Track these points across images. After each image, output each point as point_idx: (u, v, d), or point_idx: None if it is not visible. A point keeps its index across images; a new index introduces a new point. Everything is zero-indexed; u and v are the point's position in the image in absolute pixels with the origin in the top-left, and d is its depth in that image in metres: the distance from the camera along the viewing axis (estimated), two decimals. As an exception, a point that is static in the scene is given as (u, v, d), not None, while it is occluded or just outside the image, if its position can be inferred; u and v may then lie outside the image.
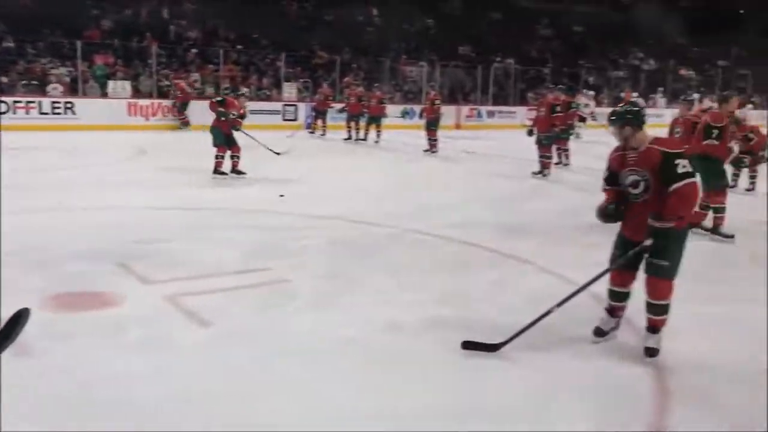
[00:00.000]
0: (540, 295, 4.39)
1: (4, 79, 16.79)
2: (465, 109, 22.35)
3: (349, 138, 16.09)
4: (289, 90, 20.30)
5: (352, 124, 16.10)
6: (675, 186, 3.41)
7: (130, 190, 8.29)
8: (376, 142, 15.61)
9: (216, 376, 3.25)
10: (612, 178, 3.78)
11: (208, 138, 9.58)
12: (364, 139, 15.92)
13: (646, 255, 3.56)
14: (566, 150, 11.99)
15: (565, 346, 3.75)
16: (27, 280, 4.50)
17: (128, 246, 5.52)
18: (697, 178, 3.64)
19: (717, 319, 4.23)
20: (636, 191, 3.61)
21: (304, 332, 3.85)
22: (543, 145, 10.77)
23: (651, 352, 3.60)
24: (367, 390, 3.17)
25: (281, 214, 7.11)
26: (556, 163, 11.49)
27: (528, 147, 11.39)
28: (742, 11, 33.12)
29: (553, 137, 10.88)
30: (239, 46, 22.37)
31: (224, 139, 9.43)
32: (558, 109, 10.85)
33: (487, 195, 8.99)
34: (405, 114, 20.26)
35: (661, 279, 3.54)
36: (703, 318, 4.19)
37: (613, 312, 3.85)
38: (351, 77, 20.51)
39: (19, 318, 1.80)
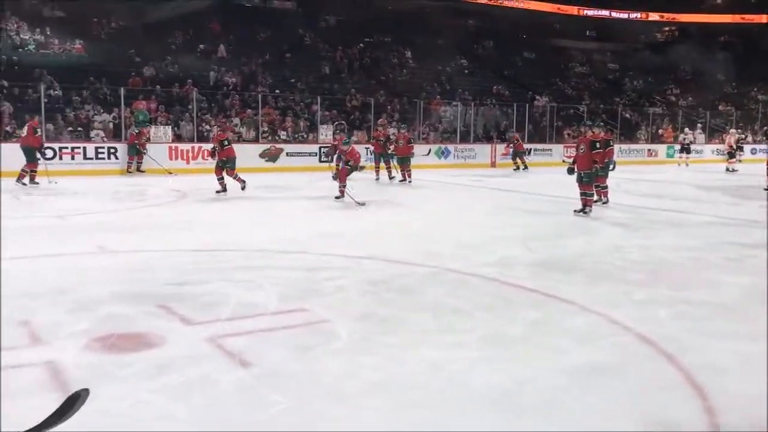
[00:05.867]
0: (584, 335, 4.30)
1: (51, 126, 17.34)
2: (500, 147, 22.28)
3: (377, 178, 16.42)
4: (325, 132, 20.45)
5: (381, 164, 16.56)
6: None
7: (170, 233, 8.44)
8: (409, 182, 15.70)
9: (255, 417, 3.22)
10: None
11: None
12: (393, 177, 16.24)
13: None
14: (605, 187, 11.84)
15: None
16: (72, 321, 4.57)
17: (169, 288, 5.57)
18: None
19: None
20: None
21: (342, 374, 3.80)
22: (584, 183, 10.68)
23: None
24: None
25: (317, 255, 7.10)
26: (596, 201, 11.33)
27: (564, 185, 11.29)
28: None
29: (593, 174, 10.78)
30: (277, 91, 22.92)
31: None
32: (597, 146, 10.78)
33: (524, 233, 8.89)
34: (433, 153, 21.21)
35: None
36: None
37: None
38: (383, 119, 20.55)
39: (77, 398, 1.79)
